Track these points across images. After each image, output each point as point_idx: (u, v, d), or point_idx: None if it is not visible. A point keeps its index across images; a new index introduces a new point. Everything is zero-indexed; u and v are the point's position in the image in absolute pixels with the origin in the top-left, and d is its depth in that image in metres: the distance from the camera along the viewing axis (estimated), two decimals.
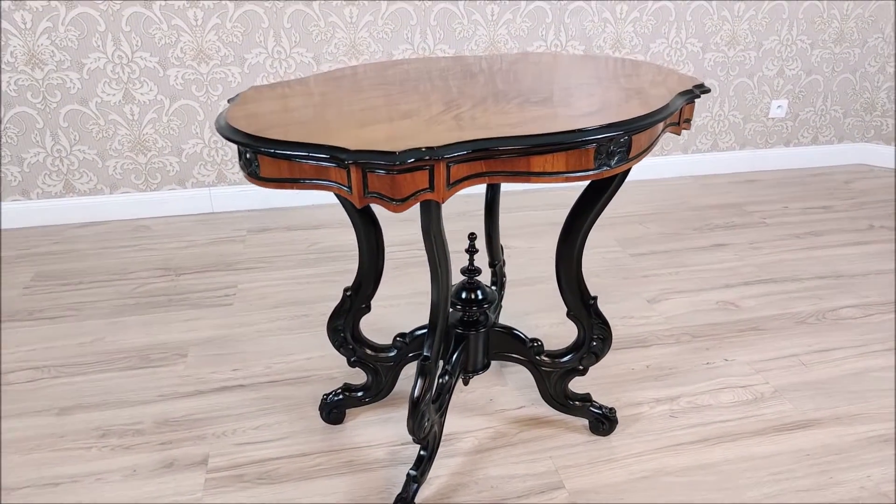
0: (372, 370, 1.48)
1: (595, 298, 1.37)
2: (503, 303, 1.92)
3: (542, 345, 1.44)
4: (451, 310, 1.40)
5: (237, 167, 2.74)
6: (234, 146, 2.68)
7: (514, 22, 2.68)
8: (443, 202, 0.91)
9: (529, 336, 1.44)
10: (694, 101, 1.23)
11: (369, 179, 0.88)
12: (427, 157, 0.86)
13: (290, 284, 2.19)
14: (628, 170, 1.12)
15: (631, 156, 1.03)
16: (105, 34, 2.42)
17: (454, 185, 0.92)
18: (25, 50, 2.40)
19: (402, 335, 1.46)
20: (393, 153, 0.85)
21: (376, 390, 1.51)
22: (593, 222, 1.29)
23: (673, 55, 2.89)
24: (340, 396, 1.52)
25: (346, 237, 2.51)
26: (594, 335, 1.39)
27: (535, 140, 0.92)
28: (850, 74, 3.11)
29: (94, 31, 2.41)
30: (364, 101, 1.11)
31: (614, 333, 1.90)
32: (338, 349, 1.47)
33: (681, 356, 1.79)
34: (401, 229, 2.57)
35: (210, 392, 1.69)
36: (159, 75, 2.51)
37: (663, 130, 1.15)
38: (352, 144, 0.88)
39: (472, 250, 1.36)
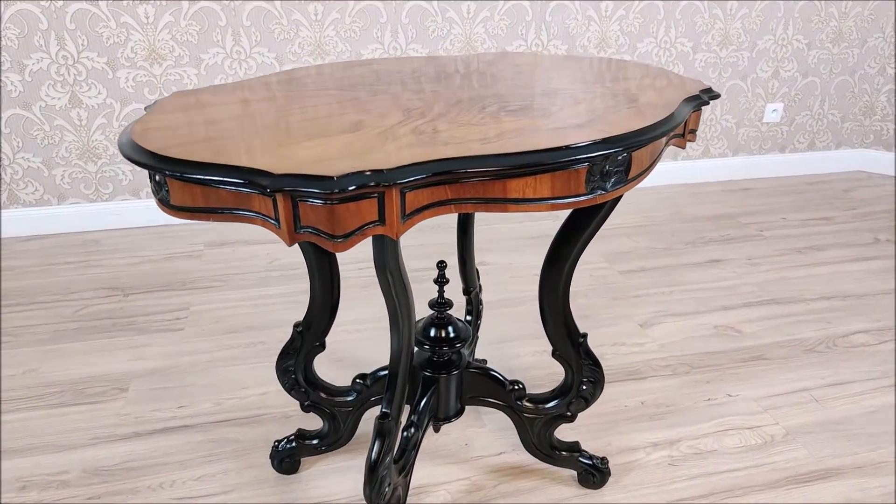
0: (329, 416, 1.29)
1: (584, 336, 1.19)
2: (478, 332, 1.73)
3: (523, 388, 1.25)
4: (416, 349, 1.22)
5: None
6: None
7: (492, 20, 2.50)
8: (397, 237, 0.73)
9: (509, 377, 1.25)
10: (700, 109, 1.06)
11: (301, 211, 0.69)
12: (373, 183, 0.67)
13: (247, 306, 1.99)
14: None
15: (630, 176, 0.85)
16: (48, 32, 2.21)
17: (412, 215, 0.73)
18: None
19: (362, 377, 1.27)
20: (329, 178, 0.66)
21: (334, 438, 1.32)
22: (582, 250, 1.11)
23: (662, 55, 2.72)
24: (293, 444, 1.32)
25: None
26: (584, 377, 1.21)
27: (512, 160, 0.73)
28: (849, 76, 2.96)
29: (36, 30, 2.19)
30: (311, 109, 0.92)
31: (604, 363, 1.72)
32: (289, 392, 1.28)
33: (679, 391, 1.61)
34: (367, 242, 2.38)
35: (149, 434, 1.49)
36: (108, 77, 2.30)
37: (667, 144, 0.97)
38: (280, 166, 0.69)
39: (441, 280, 1.18)
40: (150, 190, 2.51)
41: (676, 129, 0.96)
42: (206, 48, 2.32)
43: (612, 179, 0.83)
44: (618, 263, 2.25)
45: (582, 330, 1.16)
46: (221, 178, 0.69)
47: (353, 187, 0.66)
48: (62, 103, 2.32)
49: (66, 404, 1.58)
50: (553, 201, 0.79)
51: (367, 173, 0.67)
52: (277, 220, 0.70)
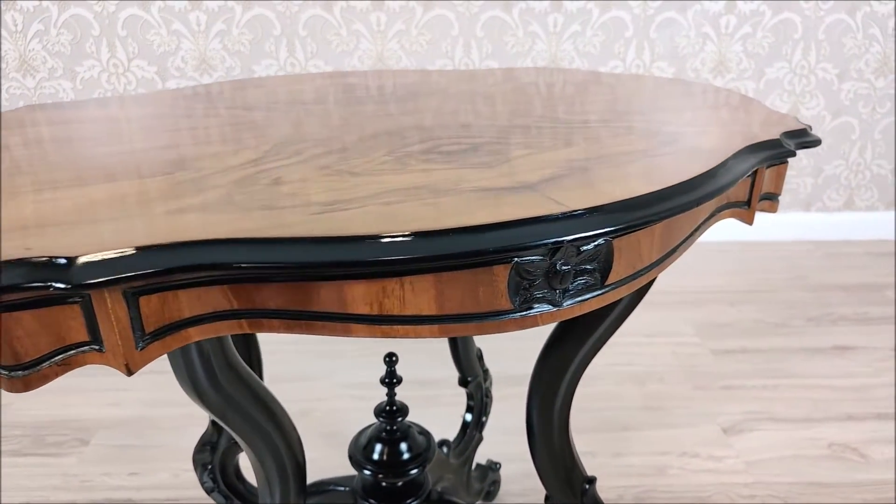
0: None
1: (592, 481, 0.81)
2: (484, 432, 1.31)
3: None
4: (357, 473, 0.88)
5: None
6: None
7: (584, 35, 2.13)
8: (131, 373, 0.41)
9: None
10: (785, 163, 0.66)
11: None
12: (61, 284, 0.36)
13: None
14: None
15: (610, 282, 0.48)
16: (100, 39, 2.11)
17: (160, 335, 0.41)
18: (17, 55, 2.13)
19: None
20: None
21: None
22: (593, 354, 0.74)
23: (797, 84, 2.22)
24: None
25: None
26: None
27: (344, 250, 0.39)
28: None
29: (88, 36, 2.10)
30: (163, 136, 0.63)
31: (664, 479, 1.30)
32: (208, 493, 0.99)
33: None
34: None
35: None
36: (158, 87, 2.17)
37: (709, 220, 0.58)
38: None
39: (391, 381, 0.84)
40: None
41: (728, 194, 0.58)
42: (259, 59, 2.13)
43: (573, 286, 0.46)
44: (712, 339, 1.80)
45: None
46: None
47: (17, 284, 0.36)
48: None
49: (21, 453, 1.40)
50: (443, 324, 0.44)
51: (40, 261, 0.36)
52: None
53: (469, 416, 1.12)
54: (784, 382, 1.61)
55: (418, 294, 0.42)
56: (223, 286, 0.41)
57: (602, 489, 1.29)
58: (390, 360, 0.83)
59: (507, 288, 0.44)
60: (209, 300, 0.41)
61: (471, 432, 1.10)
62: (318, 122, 0.67)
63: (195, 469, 0.99)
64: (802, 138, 0.64)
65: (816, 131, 2.28)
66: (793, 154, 0.62)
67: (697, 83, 0.85)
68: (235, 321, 0.42)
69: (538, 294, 0.45)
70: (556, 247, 0.44)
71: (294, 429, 0.68)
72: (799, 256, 2.29)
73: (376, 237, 0.39)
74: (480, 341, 1.18)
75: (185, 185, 0.48)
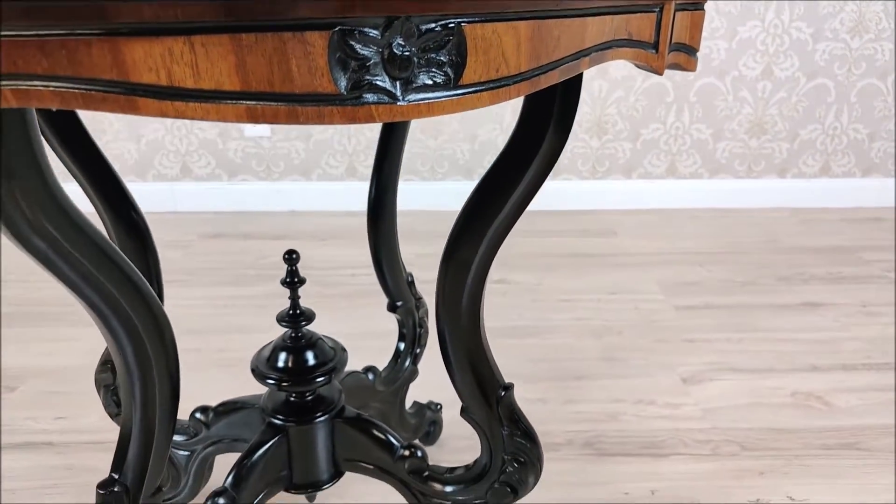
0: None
1: (508, 388, 0.75)
2: (421, 370, 1.24)
3: (423, 456, 0.82)
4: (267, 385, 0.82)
5: (204, 160, 2.28)
6: (199, 135, 2.23)
7: None
8: None
9: (402, 441, 0.82)
10: (700, 10, 0.60)
11: None
12: None
13: (205, 306, 1.68)
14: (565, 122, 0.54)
15: (464, 83, 0.42)
16: None
17: None
18: None
19: (203, 410, 0.90)
20: None
21: (174, 489, 0.95)
22: (497, 242, 0.67)
23: (770, 43, 2.17)
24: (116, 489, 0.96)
25: (314, 251, 1.98)
26: (507, 454, 0.76)
27: None
28: None
29: None
30: None
31: (618, 425, 1.24)
32: (112, 418, 0.93)
33: (714, 481, 1.10)
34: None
35: (5, 448, 1.19)
36: None
37: (602, 50, 0.52)
38: None
39: (292, 280, 0.78)
40: (154, 173, 2.29)
41: (620, 25, 0.52)
42: None
43: (417, 80, 0.40)
44: (676, 296, 1.74)
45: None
46: None
47: None
48: None
49: None
50: (249, 103, 0.38)
51: None
52: None
53: (402, 345, 1.05)
54: (749, 336, 1.55)
55: (214, 62, 0.36)
56: None
57: (551, 434, 1.23)
58: (290, 257, 0.77)
59: (329, 65, 0.38)
60: None
61: (401, 361, 1.04)
62: None
63: (98, 391, 0.92)
64: None
65: (791, 93, 2.23)
66: None
67: None
68: None
69: (371, 80, 0.39)
70: (390, 19, 0.38)
71: (160, 308, 0.61)
72: (773, 223, 2.24)
73: None
74: (416, 270, 1.11)
75: None
